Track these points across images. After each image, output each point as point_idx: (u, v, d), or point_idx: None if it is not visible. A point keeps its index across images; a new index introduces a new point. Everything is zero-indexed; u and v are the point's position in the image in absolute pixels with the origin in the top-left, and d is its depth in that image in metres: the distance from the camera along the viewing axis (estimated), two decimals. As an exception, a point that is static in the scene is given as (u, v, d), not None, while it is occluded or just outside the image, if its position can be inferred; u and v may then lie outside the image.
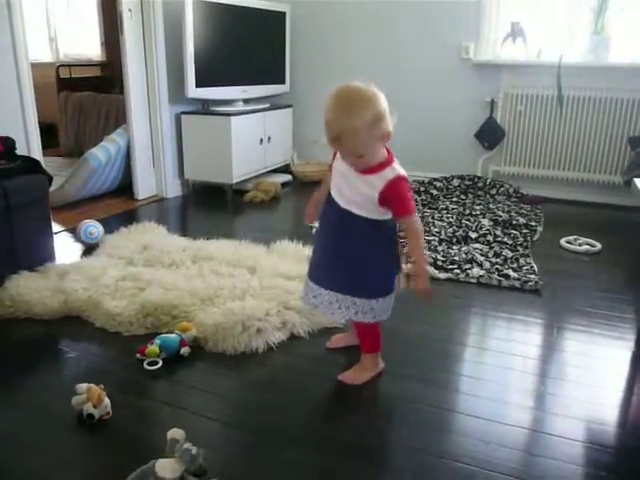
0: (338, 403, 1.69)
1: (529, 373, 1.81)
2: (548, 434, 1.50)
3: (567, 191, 3.94)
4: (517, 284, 2.44)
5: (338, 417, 1.60)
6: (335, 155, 1.62)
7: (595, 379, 1.77)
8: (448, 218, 3.31)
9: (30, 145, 3.05)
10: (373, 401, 1.70)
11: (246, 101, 4.14)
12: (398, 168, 1.52)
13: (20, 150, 2.60)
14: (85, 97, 5.18)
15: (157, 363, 1.79)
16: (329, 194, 1.62)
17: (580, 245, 2.92)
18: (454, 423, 1.55)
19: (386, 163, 1.51)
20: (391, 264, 1.66)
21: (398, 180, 1.49)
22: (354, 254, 1.59)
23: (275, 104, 4.39)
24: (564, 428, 1.52)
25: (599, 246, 2.90)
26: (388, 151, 1.54)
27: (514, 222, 3.22)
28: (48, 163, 3.39)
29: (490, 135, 3.98)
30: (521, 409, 1.62)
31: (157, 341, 1.83)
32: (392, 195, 1.50)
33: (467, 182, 3.97)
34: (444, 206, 3.60)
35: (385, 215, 1.56)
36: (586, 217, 3.59)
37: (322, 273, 1.66)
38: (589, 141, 3.77)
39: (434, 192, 3.87)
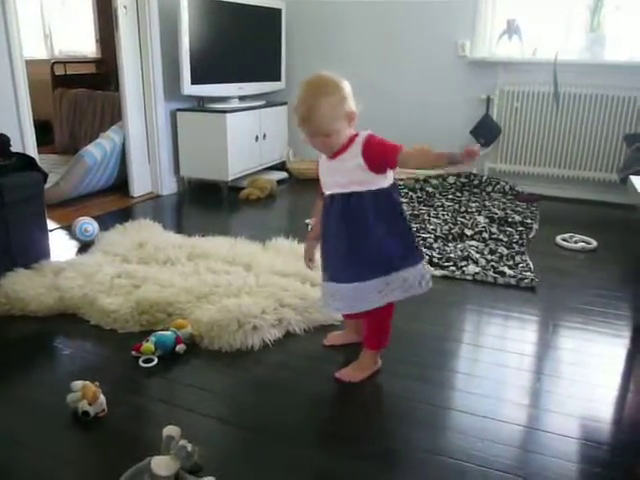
0: (334, 401, 1.69)
1: (525, 370, 1.81)
2: (543, 431, 1.50)
3: (563, 188, 3.95)
4: (513, 281, 2.44)
5: (334, 414, 1.61)
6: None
7: (590, 376, 1.77)
8: (444, 215, 3.31)
9: (25, 142, 3.04)
10: (369, 398, 1.69)
11: (242, 98, 4.13)
12: (365, 132, 1.55)
13: (15, 147, 2.59)
14: (80, 94, 5.16)
15: (152, 360, 1.79)
16: (327, 197, 1.63)
17: (576, 242, 2.93)
18: (450, 420, 1.56)
19: (353, 137, 1.55)
20: (408, 231, 1.64)
21: (370, 136, 1.53)
22: (370, 234, 1.57)
23: (271, 101, 4.38)
24: (559, 425, 1.53)
25: (595, 243, 2.91)
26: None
27: (510, 219, 3.22)
28: (43, 160, 3.38)
29: (486, 132, 3.98)
30: (517, 406, 1.62)
31: (152, 338, 1.82)
32: (373, 148, 1.52)
33: (463, 179, 3.97)
34: (440, 203, 3.60)
35: (384, 181, 1.56)
36: (582, 215, 3.60)
37: (342, 270, 1.62)
38: (585, 138, 3.78)
39: (430, 189, 3.86)
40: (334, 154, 1.57)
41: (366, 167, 1.52)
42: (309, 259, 1.81)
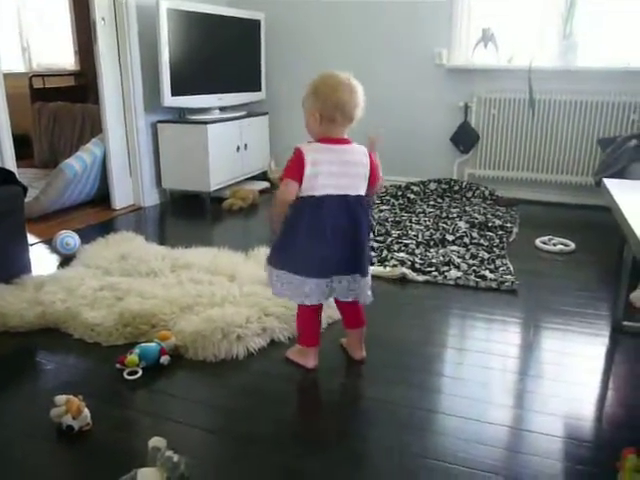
0: (319, 407, 1.70)
1: (507, 372, 1.84)
2: (527, 431, 1.53)
3: (541, 192, 4.02)
4: (494, 285, 2.47)
5: (320, 421, 1.61)
6: None
7: (572, 376, 1.80)
8: (425, 221, 3.35)
9: (4, 156, 3.02)
10: (354, 404, 1.71)
11: (222, 109, 4.14)
12: (304, 143, 1.67)
13: (-7, 162, 2.58)
14: (59, 107, 5.13)
15: (137, 373, 1.78)
16: None
17: (554, 245, 2.98)
18: (434, 423, 1.57)
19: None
20: (283, 240, 1.70)
21: (295, 149, 1.65)
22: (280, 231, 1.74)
23: (251, 111, 4.40)
24: (542, 424, 1.55)
25: (573, 246, 2.96)
26: (327, 139, 1.66)
27: (490, 224, 3.27)
28: (22, 174, 3.35)
29: (465, 139, 4.04)
30: (500, 407, 1.64)
31: (136, 350, 1.82)
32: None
33: (443, 185, 4.02)
34: (421, 210, 3.63)
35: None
36: (560, 217, 3.66)
37: None
38: (561, 143, 3.85)
39: (411, 196, 3.90)
40: None
41: None
42: None
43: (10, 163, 3.04)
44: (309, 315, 1.78)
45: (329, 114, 1.63)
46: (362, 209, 1.68)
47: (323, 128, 1.66)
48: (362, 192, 1.68)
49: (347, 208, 1.64)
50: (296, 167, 1.61)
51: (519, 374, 1.82)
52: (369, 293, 1.74)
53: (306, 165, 1.60)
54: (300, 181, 1.61)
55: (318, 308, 1.78)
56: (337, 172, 1.63)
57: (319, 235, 1.63)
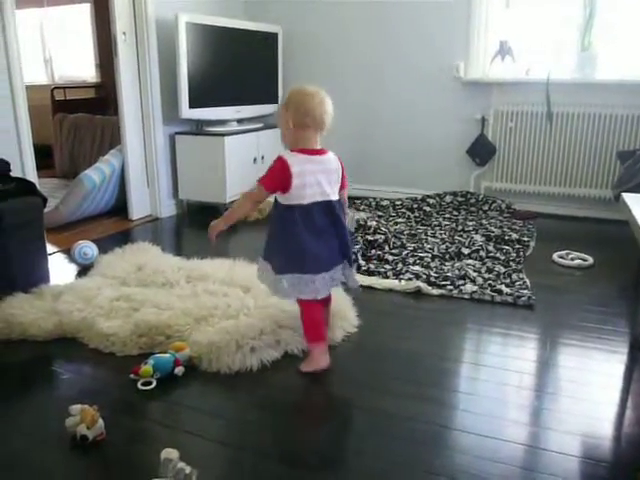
0: (333, 421, 1.68)
1: (524, 388, 1.81)
2: (543, 449, 1.50)
3: (559, 206, 3.98)
4: (510, 299, 2.45)
5: (333, 435, 1.60)
6: None
7: (589, 393, 1.78)
8: (441, 234, 3.33)
9: (25, 167, 3.06)
10: (367, 418, 1.69)
11: (239, 121, 4.18)
12: (286, 152, 1.83)
13: (15, 172, 2.62)
14: (80, 118, 5.22)
15: (151, 383, 1.79)
16: None
17: (572, 260, 2.94)
18: (449, 439, 1.55)
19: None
20: (284, 247, 1.85)
21: (277, 157, 1.82)
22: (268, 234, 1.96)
23: (268, 123, 4.42)
24: (559, 443, 1.52)
25: (591, 260, 2.92)
26: (304, 150, 1.82)
27: (506, 237, 3.24)
28: (43, 185, 3.40)
29: (481, 152, 4.02)
30: (516, 424, 1.62)
31: (151, 361, 1.83)
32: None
33: (460, 198, 4.00)
34: (437, 222, 3.62)
35: (280, 198, 1.84)
36: (578, 232, 3.62)
37: None
38: (579, 156, 3.82)
39: (427, 209, 3.89)
40: None
41: None
42: None
43: (31, 173, 3.09)
44: (315, 309, 1.89)
45: (300, 121, 1.81)
46: (341, 209, 1.89)
47: (298, 136, 1.84)
48: (338, 196, 1.89)
49: (330, 211, 1.84)
50: (278, 178, 1.78)
51: (535, 391, 1.80)
52: (357, 279, 2.00)
53: (293, 177, 1.76)
54: (274, 191, 1.81)
55: (321, 303, 1.90)
56: (322, 181, 1.82)
57: (315, 235, 1.82)
